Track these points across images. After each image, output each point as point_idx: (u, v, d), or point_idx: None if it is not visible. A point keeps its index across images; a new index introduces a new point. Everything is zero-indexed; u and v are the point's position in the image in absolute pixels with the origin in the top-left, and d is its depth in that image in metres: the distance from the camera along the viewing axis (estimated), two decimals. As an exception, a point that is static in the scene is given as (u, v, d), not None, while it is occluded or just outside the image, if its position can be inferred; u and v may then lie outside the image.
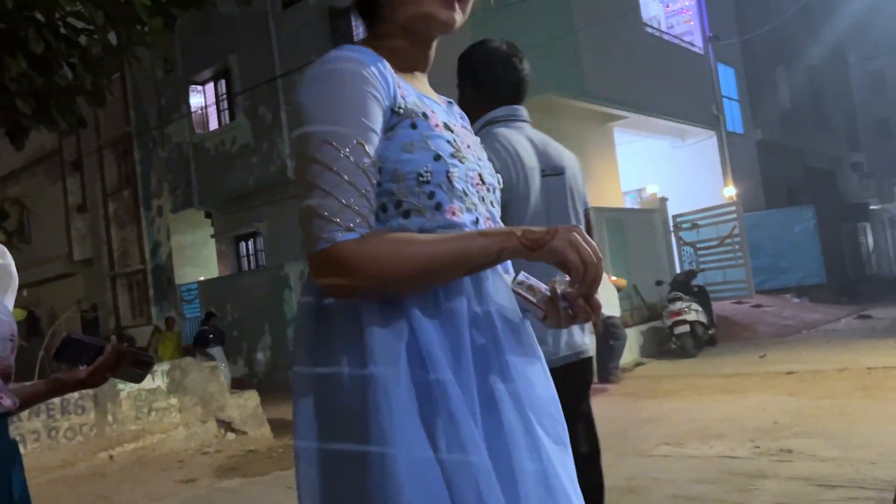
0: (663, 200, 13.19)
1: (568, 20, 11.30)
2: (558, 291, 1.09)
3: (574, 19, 11.39)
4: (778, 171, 17.75)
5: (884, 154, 29.61)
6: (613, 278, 8.68)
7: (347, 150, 1.01)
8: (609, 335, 8.14)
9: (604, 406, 6.64)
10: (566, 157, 2.22)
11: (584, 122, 12.26)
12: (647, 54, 13.29)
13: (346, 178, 1.01)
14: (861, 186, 24.67)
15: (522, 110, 2.21)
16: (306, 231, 1.01)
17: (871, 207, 21.73)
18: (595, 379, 7.89)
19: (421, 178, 1.08)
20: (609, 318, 8.11)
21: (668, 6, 15.37)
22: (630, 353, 10.10)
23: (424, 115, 1.12)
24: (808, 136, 20.10)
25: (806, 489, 3.59)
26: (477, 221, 1.14)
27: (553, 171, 2.14)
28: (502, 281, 1.15)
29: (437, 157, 1.10)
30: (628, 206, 13.70)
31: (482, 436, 1.01)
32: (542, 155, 2.14)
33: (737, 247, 13.17)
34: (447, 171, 1.10)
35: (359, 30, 12.98)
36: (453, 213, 1.10)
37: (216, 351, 10.96)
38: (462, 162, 1.13)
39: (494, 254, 1.04)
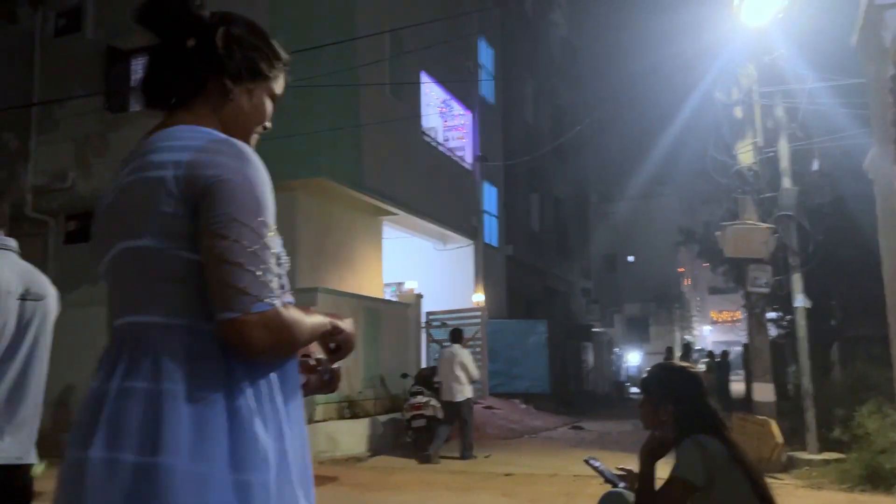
0: (419, 297, 13.80)
1: (354, 112, 11.76)
2: (321, 364, 1.42)
3: (360, 113, 11.89)
4: (521, 285, 19.50)
5: (609, 285, 33.86)
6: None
7: (273, 230, 1.26)
8: (461, 417, 9.34)
9: (332, 497, 6.58)
10: (49, 288, 2.45)
11: (356, 212, 12.63)
12: (422, 160, 14.19)
13: (273, 256, 1.24)
14: (587, 310, 27.81)
15: (11, 241, 2.42)
16: (244, 291, 1.18)
17: (594, 330, 24.50)
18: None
19: (279, 260, 1.30)
20: (465, 400, 9.37)
21: (446, 121, 16.65)
22: (367, 442, 10.18)
23: None
24: (549, 259, 22.44)
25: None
26: None
27: (34, 297, 2.35)
28: None
29: (282, 245, 1.33)
30: (387, 297, 14.13)
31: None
32: (26, 282, 2.35)
33: (478, 349, 14.07)
34: (287, 258, 1.37)
35: (136, 74, 12.34)
36: (288, 293, 1.34)
37: None
38: None
39: (326, 333, 1.38)
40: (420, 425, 10.02)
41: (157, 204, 1.23)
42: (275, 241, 1.28)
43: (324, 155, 11.10)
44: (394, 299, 14.09)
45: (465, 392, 9.33)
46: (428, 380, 10.95)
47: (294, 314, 1.24)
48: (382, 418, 10.85)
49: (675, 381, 2.71)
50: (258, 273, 1.19)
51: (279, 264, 1.31)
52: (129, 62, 12.39)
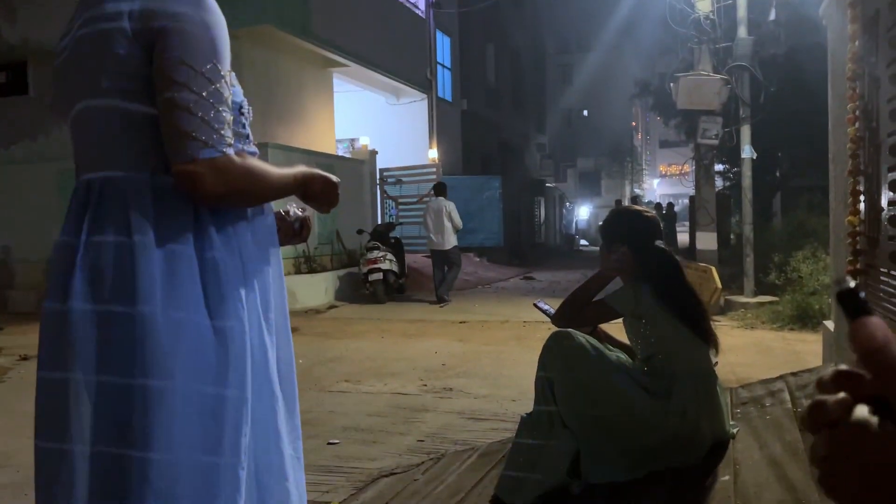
0: (373, 153, 13.66)
1: (298, -46, 11.00)
2: (291, 215, 1.47)
3: (305, -45, 11.13)
4: (476, 140, 19.38)
5: (563, 140, 33.89)
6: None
7: (226, 75, 1.24)
8: (450, 262, 10.17)
9: (294, 346, 6.81)
10: None
11: (305, 63, 12.14)
12: (373, 6, 13.51)
13: (225, 100, 1.23)
14: (541, 165, 27.98)
15: None
16: (192, 136, 1.17)
17: (547, 185, 24.83)
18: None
19: (241, 110, 1.32)
20: (453, 248, 10.17)
21: (397, -36, 15.72)
22: (325, 295, 10.42)
23: None
24: (505, 114, 22.20)
25: (459, 421, 4.11)
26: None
27: None
28: None
29: (244, 95, 1.35)
30: (340, 153, 13.94)
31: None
32: None
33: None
34: (250, 109, 1.38)
35: None
36: (252, 144, 1.38)
37: None
38: None
39: (293, 187, 1.37)
40: (377, 278, 10.27)
41: (114, 57, 1.21)
42: (234, 90, 1.28)
43: (268, 1, 10.48)
44: (347, 155, 13.91)
45: (452, 240, 10.17)
46: (384, 235, 11.09)
47: (251, 163, 1.25)
48: (340, 272, 11.04)
49: (631, 223, 2.79)
50: (208, 118, 1.18)
51: (242, 113, 1.32)
52: None
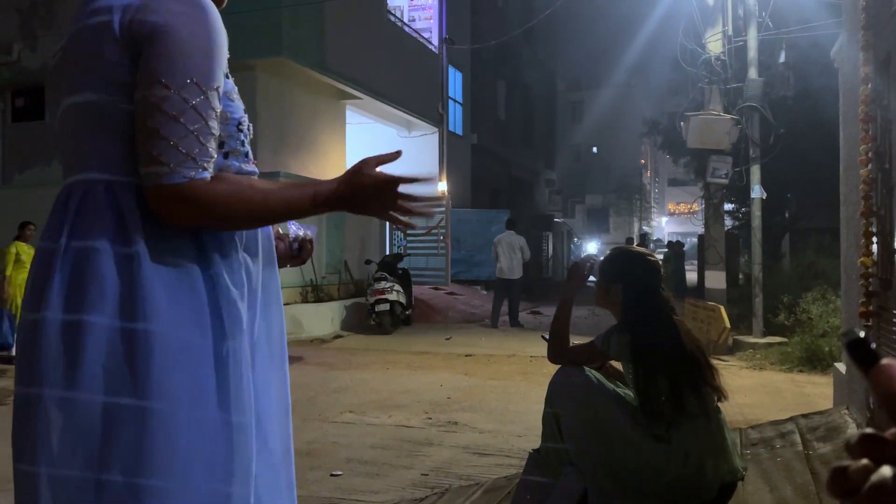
0: (383, 184, 13.70)
1: (315, -11, 11.21)
2: (291, 234, 1.38)
3: (322, -11, 11.33)
4: (486, 174, 19.47)
5: (572, 176, 34.02)
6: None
7: (210, 93, 1.11)
8: (515, 292, 11.24)
9: (298, 374, 6.76)
10: None
11: (319, 95, 12.28)
12: (386, 41, 13.71)
13: (205, 120, 1.10)
14: (550, 201, 28.06)
15: None
16: (157, 160, 1.07)
17: (555, 220, 24.85)
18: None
19: (240, 126, 1.21)
20: (520, 278, 11.22)
21: (412, 0, 15.98)
22: (331, 325, 10.39)
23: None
24: (514, 148, 22.33)
25: (464, 456, 4.06)
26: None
27: None
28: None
29: (245, 110, 1.25)
30: (350, 184, 14.01)
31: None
32: None
33: (441, 238, 14.21)
34: (249, 125, 1.26)
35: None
36: (254, 163, 1.27)
37: None
38: None
39: (309, 208, 1.18)
40: (384, 309, 10.24)
41: (101, 52, 1.11)
42: (232, 105, 1.20)
43: (285, 33, 10.65)
44: (357, 186, 13.97)
45: (520, 271, 11.12)
46: (391, 266, 11.09)
47: (233, 187, 1.12)
48: (346, 302, 11.03)
49: (630, 265, 2.74)
50: (176, 141, 1.07)
51: (240, 129, 1.22)
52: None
